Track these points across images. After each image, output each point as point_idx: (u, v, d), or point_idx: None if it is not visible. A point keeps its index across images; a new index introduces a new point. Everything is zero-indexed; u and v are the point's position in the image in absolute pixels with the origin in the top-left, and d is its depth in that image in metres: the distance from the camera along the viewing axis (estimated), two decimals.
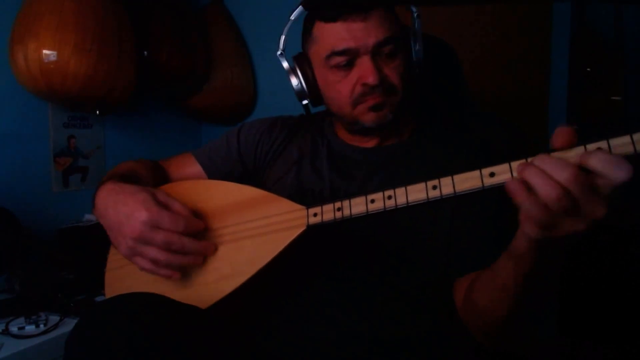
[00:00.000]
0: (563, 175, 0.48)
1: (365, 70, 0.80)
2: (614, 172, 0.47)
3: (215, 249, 0.77)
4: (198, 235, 0.77)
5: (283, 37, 0.92)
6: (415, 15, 0.87)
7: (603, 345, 1.69)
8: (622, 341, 1.67)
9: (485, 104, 1.65)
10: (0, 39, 1.35)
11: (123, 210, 0.73)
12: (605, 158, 0.47)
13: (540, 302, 0.68)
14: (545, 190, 0.49)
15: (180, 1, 1.76)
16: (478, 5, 1.76)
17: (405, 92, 0.85)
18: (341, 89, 0.84)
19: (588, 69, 1.81)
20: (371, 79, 0.79)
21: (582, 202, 0.49)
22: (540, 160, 0.50)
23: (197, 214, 0.81)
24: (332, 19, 0.81)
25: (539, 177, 0.49)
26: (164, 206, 0.74)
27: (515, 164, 0.55)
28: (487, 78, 1.73)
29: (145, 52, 1.59)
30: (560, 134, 0.52)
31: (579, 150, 0.51)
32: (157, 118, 1.94)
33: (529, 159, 0.53)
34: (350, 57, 0.81)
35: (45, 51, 1.26)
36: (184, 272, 0.77)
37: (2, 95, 1.41)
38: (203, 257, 0.76)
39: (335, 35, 0.81)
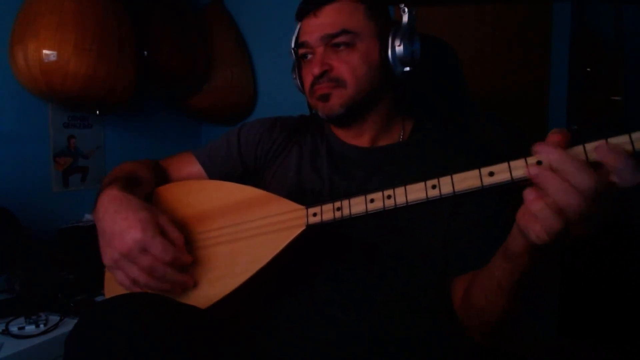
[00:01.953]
0: (585, 182, 0.46)
1: (312, 62, 0.87)
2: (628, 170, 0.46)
3: (195, 285, 0.76)
4: (193, 238, 0.77)
5: (295, 35, 0.95)
6: (403, 11, 0.87)
7: (603, 345, 1.68)
8: (622, 341, 1.67)
9: (485, 104, 1.65)
10: (0, 39, 1.35)
11: (120, 223, 0.73)
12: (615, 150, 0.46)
13: (537, 301, 0.68)
14: (566, 199, 0.47)
15: (180, 1, 1.76)
16: (478, 5, 1.76)
17: (359, 86, 0.85)
18: (305, 80, 0.91)
19: (588, 69, 1.81)
20: (314, 70, 0.85)
21: (597, 208, 0.47)
22: (560, 164, 0.48)
23: (197, 215, 0.81)
24: (300, 16, 0.90)
25: (558, 185, 0.47)
26: (162, 230, 0.74)
27: (514, 164, 0.54)
28: (487, 78, 1.73)
29: (145, 52, 1.59)
30: (553, 137, 0.50)
31: (578, 150, 0.51)
32: (157, 118, 1.94)
33: (542, 160, 0.50)
34: (308, 50, 0.88)
35: (45, 51, 1.26)
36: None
37: (2, 95, 1.41)
38: (182, 289, 0.76)
39: (299, 30, 0.91)
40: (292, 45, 0.95)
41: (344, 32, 0.84)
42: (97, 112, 1.49)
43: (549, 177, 0.48)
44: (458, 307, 0.79)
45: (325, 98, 0.86)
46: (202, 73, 1.82)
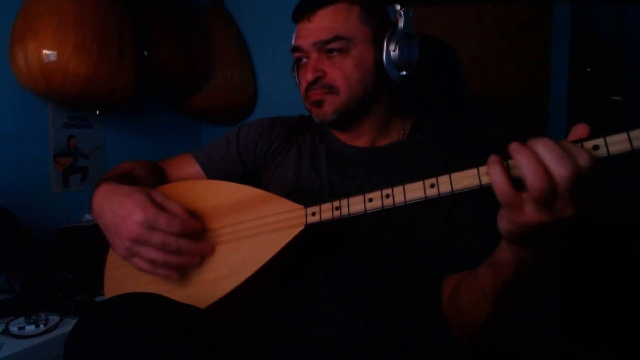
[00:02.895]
0: (560, 170, 0.47)
1: (305, 67, 0.87)
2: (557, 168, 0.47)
3: (213, 249, 0.77)
4: (196, 236, 0.77)
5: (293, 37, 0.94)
6: (399, 14, 0.86)
7: (603, 345, 1.69)
8: (622, 341, 1.67)
9: (485, 104, 1.65)
10: (1, 39, 1.35)
11: (119, 211, 0.73)
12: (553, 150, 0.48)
13: (533, 304, 0.70)
14: (534, 178, 0.48)
15: (180, 1, 1.76)
16: (478, 5, 1.76)
17: (352, 92, 0.85)
18: (301, 83, 0.91)
19: (588, 69, 1.81)
20: (306, 76, 0.86)
21: (560, 198, 0.49)
22: (543, 146, 0.49)
23: (196, 214, 0.81)
24: (296, 20, 0.90)
25: (532, 163, 0.48)
26: (160, 207, 0.74)
27: (513, 162, 0.54)
28: (487, 78, 1.73)
29: (145, 52, 1.59)
30: (576, 131, 0.51)
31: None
32: (157, 118, 1.94)
33: (531, 141, 0.51)
34: (303, 54, 0.88)
35: (45, 51, 1.26)
36: (183, 272, 0.77)
37: (2, 95, 1.41)
38: (200, 257, 0.76)
39: (295, 34, 0.91)
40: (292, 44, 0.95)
41: (337, 38, 0.83)
42: (97, 112, 1.49)
43: (528, 154, 0.49)
44: (445, 305, 0.80)
45: (318, 104, 0.86)
46: (202, 73, 1.82)
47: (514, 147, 0.50)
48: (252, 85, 1.98)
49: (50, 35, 1.27)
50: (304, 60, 0.89)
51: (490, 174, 0.52)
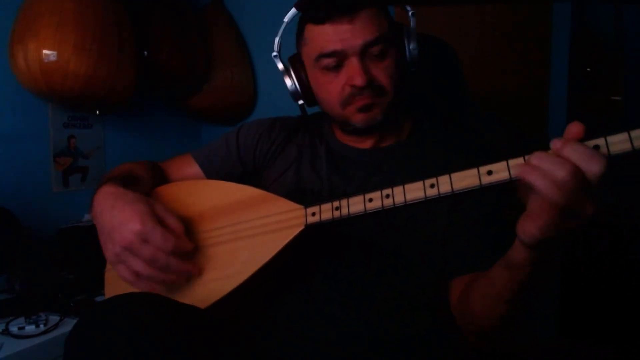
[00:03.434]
0: (560, 174, 0.48)
1: (352, 72, 0.80)
2: (589, 165, 0.48)
3: (201, 271, 0.77)
4: (188, 255, 0.77)
5: (277, 39, 0.93)
6: (410, 14, 0.87)
7: (603, 345, 1.69)
8: (622, 341, 1.67)
9: (485, 104, 1.65)
10: (1, 39, 1.35)
11: (118, 216, 0.73)
12: (579, 149, 0.48)
13: (535, 308, 0.70)
14: (545, 189, 0.49)
15: (180, 1, 1.76)
16: (478, 5, 1.76)
17: (396, 92, 0.84)
18: (331, 90, 0.85)
19: (588, 69, 1.81)
20: (358, 81, 0.80)
21: (574, 200, 0.49)
22: (538, 159, 0.50)
23: (195, 215, 0.81)
24: (321, 20, 0.82)
25: (539, 177, 0.49)
26: (160, 220, 0.74)
27: (513, 162, 0.55)
28: (487, 78, 1.73)
29: (145, 52, 1.59)
30: (571, 129, 0.52)
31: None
32: (157, 118, 1.94)
33: (526, 157, 0.52)
34: (338, 59, 0.82)
35: (45, 51, 1.26)
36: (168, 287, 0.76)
37: (2, 95, 1.42)
38: (186, 277, 0.76)
39: (323, 37, 0.82)
40: (278, 47, 0.93)
41: (383, 39, 0.81)
42: (97, 112, 1.49)
43: (530, 172, 0.50)
44: (454, 307, 0.80)
45: (368, 108, 0.83)
46: (202, 73, 1.82)
47: (521, 170, 0.51)
48: (252, 85, 1.98)
49: (50, 35, 1.27)
50: (333, 65, 0.82)
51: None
